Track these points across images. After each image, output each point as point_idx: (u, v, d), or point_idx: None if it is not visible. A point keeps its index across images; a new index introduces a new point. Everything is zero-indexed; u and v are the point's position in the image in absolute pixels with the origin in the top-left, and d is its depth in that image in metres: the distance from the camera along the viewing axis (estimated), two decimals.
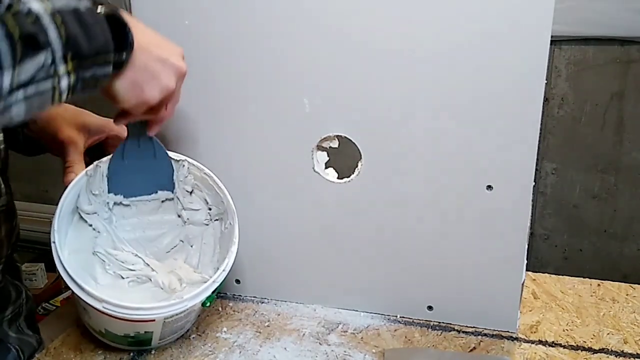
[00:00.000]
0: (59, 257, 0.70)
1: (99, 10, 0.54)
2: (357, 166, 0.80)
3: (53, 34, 0.48)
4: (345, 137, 0.79)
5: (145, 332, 0.73)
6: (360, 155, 0.79)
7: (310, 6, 0.74)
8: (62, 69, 0.50)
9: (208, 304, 0.73)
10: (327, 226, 0.83)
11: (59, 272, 0.70)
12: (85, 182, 0.76)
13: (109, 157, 0.76)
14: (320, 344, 0.79)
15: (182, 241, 0.83)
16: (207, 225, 0.83)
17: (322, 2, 0.73)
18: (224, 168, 0.84)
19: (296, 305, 0.88)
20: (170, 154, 0.79)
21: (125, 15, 0.57)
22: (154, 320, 0.71)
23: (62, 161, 0.79)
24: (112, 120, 0.74)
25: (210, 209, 0.82)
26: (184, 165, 0.80)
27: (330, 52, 0.75)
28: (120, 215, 0.81)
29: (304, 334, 0.81)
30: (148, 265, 0.80)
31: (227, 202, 0.79)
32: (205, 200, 0.82)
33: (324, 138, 0.80)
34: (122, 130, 0.77)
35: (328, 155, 0.82)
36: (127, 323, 0.71)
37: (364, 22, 0.73)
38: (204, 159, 0.83)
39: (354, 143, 0.78)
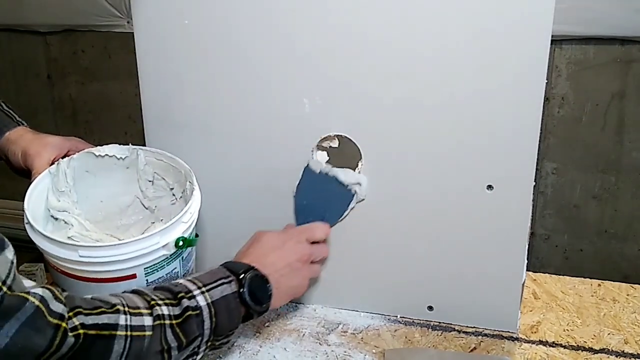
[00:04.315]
0: (30, 224, 0.71)
1: (243, 290, 0.68)
2: (357, 166, 0.80)
3: (207, 326, 0.64)
4: (345, 137, 0.78)
5: None
6: (360, 155, 0.79)
7: (310, 6, 0.74)
8: (202, 348, 0.65)
9: (181, 243, 0.73)
10: None
11: (36, 244, 0.71)
12: (50, 181, 0.79)
13: (69, 157, 0.81)
14: (320, 344, 0.79)
15: (154, 222, 0.86)
16: (174, 204, 0.85)
17: (321, 2, 0.73)
18: (223, 168, 0.84)
19: (296, 305, 0.88)
20: (123, 147, 0.83)
21: (257, 264, 0.72)
22: (135, 276, 0.71)
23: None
24: (71, 137, 0.85)
25: (172, 189, 0.84)
26: (139, 154, 0.83)
27: (330, 52, 0.75)
28: (91, 219, 0.84)
29: (304, 334, 0.81)
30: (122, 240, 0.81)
31: (181, 165, 0.81)
32: (166, 182, 0.84)
33: (324, 138, 0.80)
34: (81, 145, 0.84)
35: (328, 155, 0.82)
36: (108, 285, 0.71)
37: (364, 23, 0.73)
38: (203, 159, 0.83)
39: (354, 143, 0.78)
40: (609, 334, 0.80)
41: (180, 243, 0.73)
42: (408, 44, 0.72)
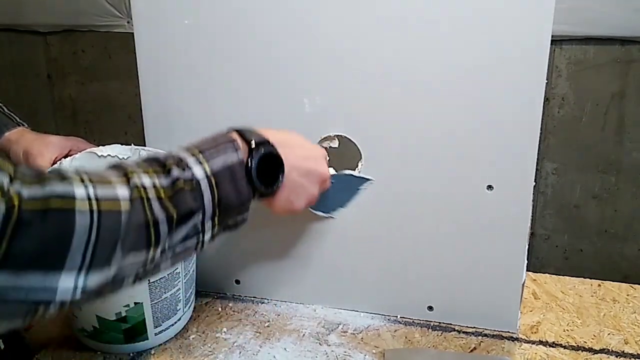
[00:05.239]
0: None
1: (252, 161, 0.57)
2: (357, 166, 0.80)
3: (207, 199, 0.53)
4: (345, 137, 0.78)
5: (135, 303, 0.74)
6: (360, 155, 0.79)
7: (310, 7, 0.74)
8: (208, 225, 0.54)
9: None
10: (327, 226, 0.83)
11: None
12: None
13: (71, 157, 0.81)
14: (320, 344, 0.79)
15: None
16: None
17: (321, 2, 0.73)
18: None
19: (296, 305, 0.88)
20: (125, 147, 0.83)
21: (277, 146, 0.60)
22: None
23: None
24: (72, 137, 0.85)
25: None
26: (141, 155, 0.83)
27: (331, 53, 0.75)
28: None
29: (304, 335, 0.81)
30: None
31: None
32: None
33: (324, 138, 0.80)
34: (82, 145, 0.85)
35: (328, 155, 0.82)
36: None
37: (364, 23, 0.73)
38: None
39: (354, 143, 0.78)
40: (609, 334, 0.80)
41: None
42: (408, 45, 0.72)
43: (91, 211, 0.43)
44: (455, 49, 0.71)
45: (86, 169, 0.48)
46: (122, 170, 0.49)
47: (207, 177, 0.53)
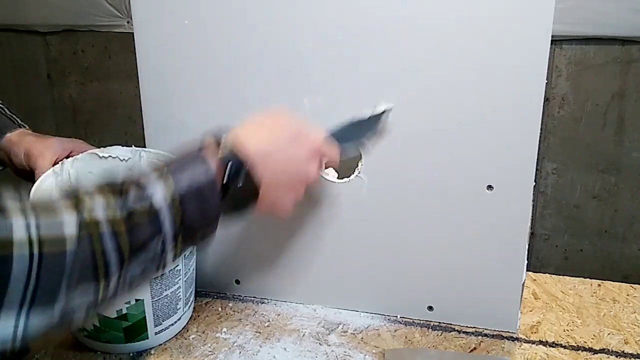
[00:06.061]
0: None
1: (224, 188, 0.53)
2: (357, 166, 0.80)
3: (167, 224, 0.48)
4: None
5: (136, 300, 0.74)
6: (360, 155, 0.79)
7: (310, 7, 0.74)
8: (170, 246, 0.50)
9: None
10: (327, 226, 0.83)
11: None
12: (54, 180, 0.80)
13: (73, 158, 0.82)
14: (320, 344, 0.79)
15: None
16: None
17: (322, 3, 0.73)
18: None
19: (296, 305, 0.88)
20: (126, 148, 0.83)
21: (257, 162, 0.55)
22: None
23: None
24: (73, 139, 0.85)
25: None
26: (141, 156, 0.83)
27: (330, 52, 0.75)
28: None
29: (304, 334, 0.81)
30: None
31: None
32: None
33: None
34: (83, 147, 0.84)
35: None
36: None
37: (364, 23, 0.73)
38: None
39: None
40: (609, 334, 0.80)
41: None
42: (408, 45, 0.72)
43: (31, 255, 0.39)
44: (455, 49, 0.71)
45: (33, 199, 0.44)
46: (74, 198, 0.45)
47: (167, 200, 0.48)
